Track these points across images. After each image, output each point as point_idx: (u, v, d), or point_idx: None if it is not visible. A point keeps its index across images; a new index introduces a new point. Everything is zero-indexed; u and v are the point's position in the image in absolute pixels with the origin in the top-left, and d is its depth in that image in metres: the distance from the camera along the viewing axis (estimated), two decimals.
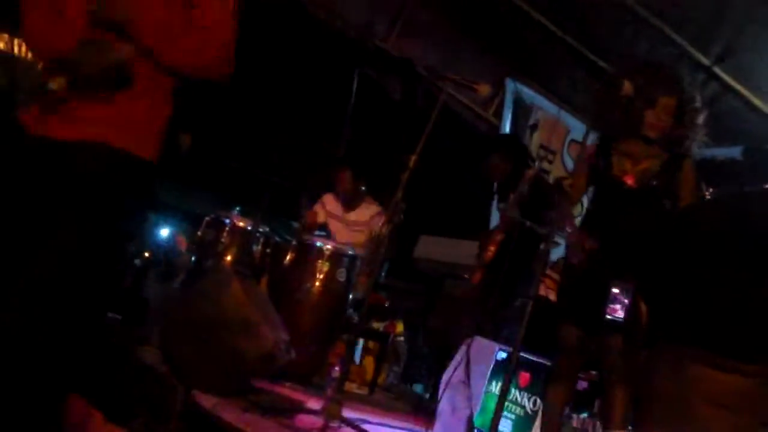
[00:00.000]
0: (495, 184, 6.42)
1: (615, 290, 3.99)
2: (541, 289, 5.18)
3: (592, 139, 4.65)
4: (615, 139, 4.40)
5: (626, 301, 3.96)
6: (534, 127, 8.51)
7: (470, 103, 8.36)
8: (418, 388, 8.10)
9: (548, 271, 6.36)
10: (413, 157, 4.28)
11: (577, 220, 4.76)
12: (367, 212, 6.57)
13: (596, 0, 6.85)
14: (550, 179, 7.93)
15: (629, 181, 4.29)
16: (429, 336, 8.38)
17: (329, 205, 6.76)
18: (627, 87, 4.16)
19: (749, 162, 5.63)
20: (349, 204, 6.64)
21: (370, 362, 6.76)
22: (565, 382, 4.42)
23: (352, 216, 6.60)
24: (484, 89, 4.55)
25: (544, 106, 8.61)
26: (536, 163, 7.72)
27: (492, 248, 5.13)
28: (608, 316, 4.00)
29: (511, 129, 8.38)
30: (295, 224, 7.41)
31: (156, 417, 4.09)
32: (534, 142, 8.40)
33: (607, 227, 4.29)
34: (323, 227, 6.82)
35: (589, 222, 4.52)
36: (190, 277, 5.88)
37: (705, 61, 6.81)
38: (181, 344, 4.37)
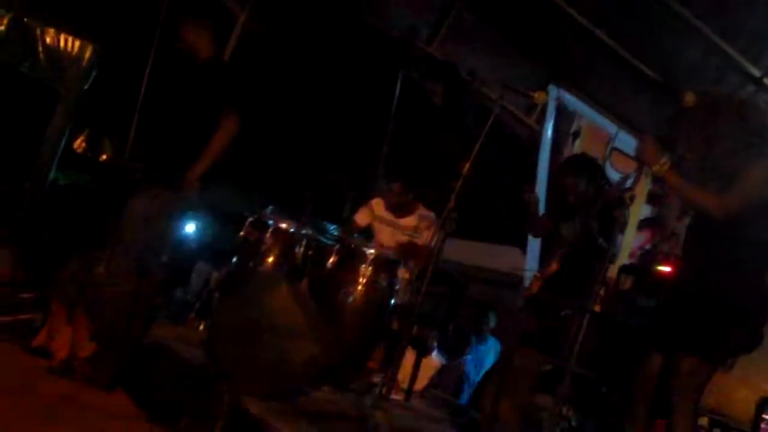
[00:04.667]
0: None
1: None
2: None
3: None
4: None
5: None
6: (576, 135, 8.44)
7: (513, 108, 8.32)
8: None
9: None
10: (466, 165, 4.24)
11: None
12: (418, 219, 6.52)
13: (646, 7, 6.76)
14: None
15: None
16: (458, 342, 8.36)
17: (378, 208, 6.71)
18: (689, 98, 4.06)
19: None
20: (400, 210, 6.59)
21: (406, 368, 6.72)
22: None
23: (403, 222, 6.55)
24: (541, 96, 4.50)
25: (587, 114, 8.53)
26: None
27: (555, 261, 5.09)
28: None
29: (553, 135, 8.31)
30: (335, 227, 7.39)
31: (201, 419, 4.07)
32: (576, 149, 8.33)
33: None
34: (364, 231, 6.78)
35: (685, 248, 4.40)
36: (233, 279, 5.86)
37: (755, 72, 6.73)
38: (229, 347, 4.35)
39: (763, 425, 4.56)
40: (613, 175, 8.26)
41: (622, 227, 4.51)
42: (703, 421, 4.50)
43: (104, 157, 8.22)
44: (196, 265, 7.53)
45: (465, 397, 7.94)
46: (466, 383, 8.24)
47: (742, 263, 3.93)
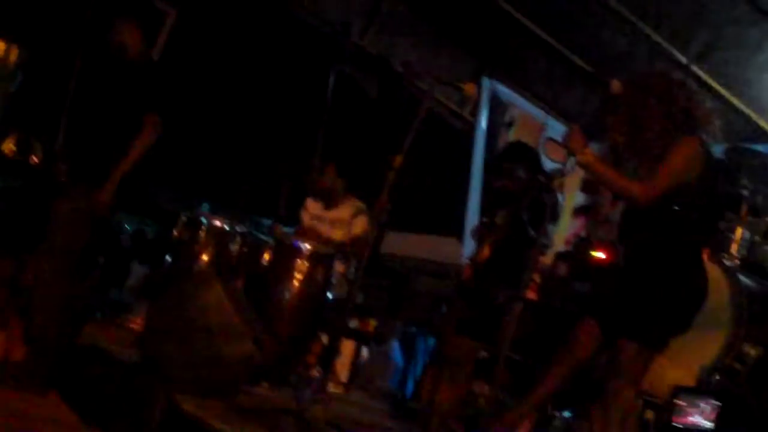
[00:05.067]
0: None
1: None
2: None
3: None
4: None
5: None
6: (510, 125, 8.50)
7: (446, 101, 8.35)
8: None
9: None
10: (399, 158, 4.23)
11: None
12: (349, 209, 6.52)
13: None
14: None
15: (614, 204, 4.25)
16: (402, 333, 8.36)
17: (311, 207, 6.72)
18: (616, 86, 4.08)
19: (732, 161, 5.62)
20: (330, 201, 6.59)
21: (344, 361, 6.72)
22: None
23: (333, 214, 6.55)
24: (471, 88, 4.53)
25: (520, 104, 8.59)
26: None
27: (488, 248, 5.11)
28: None
29: (487, 126, 8.35)
30: (269, 222, 7.36)
31: (136, 419, 4.03)
32: (510, 139, 8.38)
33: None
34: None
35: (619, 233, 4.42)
36: (167, 277, 5.81)
37: (683, 59, 6.82)
38: (163, 346, 4.31)
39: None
40: (548, 164, 8.36)
41: (553, 214, 4.54)
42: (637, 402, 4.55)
43: (34, 159, 8.07)
44: (132, 265, 7.46)
45: (395, 382, 7.93)
46: (395, 370, 8.22)
47: (674, 245, 3.97)
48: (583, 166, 4.02)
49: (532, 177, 5.27)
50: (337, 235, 6.48)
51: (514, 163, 5.40)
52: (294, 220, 6.86)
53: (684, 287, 3.98)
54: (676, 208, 3.92)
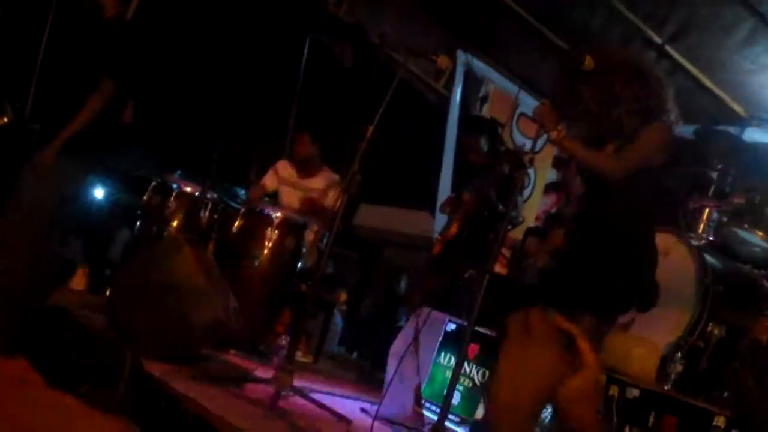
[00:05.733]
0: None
1: None
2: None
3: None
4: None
5: None
6: (484, 99, 8.51)
7: (421, 74, 8.33)
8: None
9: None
10: (370, 129, 4.24)
11: None
12: (324, 181, 6.53)
13: None
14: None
15: None
16: (372, 305, 8.41)
17: (283, 171, 6.69)
18: (588, 61, 4.11)
19: (701, 142, 5.67)
20: (306, 170, 6.58)
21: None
22: None
23: (308, 183, 6.55)
24: (444, 61, 4.54)
25: (495, 79, 8.59)
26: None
27: (456, 224, 5.14)
28: None
29: (461, 101, 8.35)
30: (242, 191, 7.35)
31: (103, 383, 4.03)
32: (484, 114, 8.39)
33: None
34: (270, 195, 6.76)
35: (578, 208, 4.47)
36: (137, 242, 5.80)
37: (657, 39, 6.83)
38: (130, 310, 4.31)
39: None
40: (521, 140, 8.39)
41: (522, 189, 4.57)
42: (601, 378, 4.60)
43: (5, 120, 7.99)
44: (119, 232, 7.45)
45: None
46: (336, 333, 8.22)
47: (632, 222, 4.04)
48: (554, 142, 4.06)
49: (496, 151, 5.30)
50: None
51: (474, 134, 5.42)
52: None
53: (638, 261, 4.07)
54: (639, 187, 3.99)
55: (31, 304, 4.78)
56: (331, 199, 6.29)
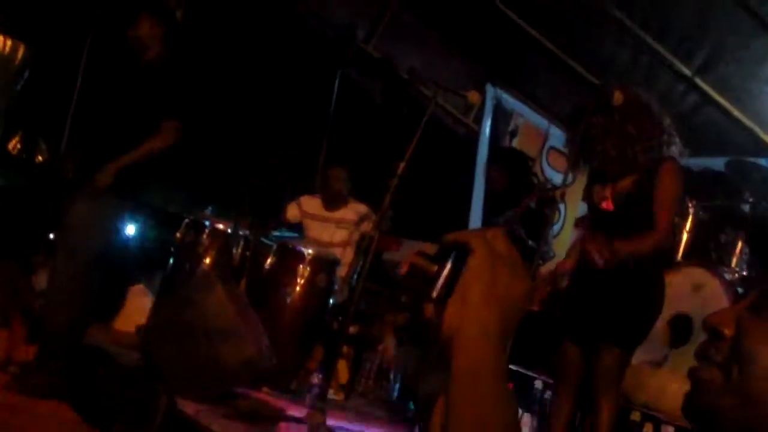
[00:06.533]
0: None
1: None
2: None
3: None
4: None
5: None
6: (514, 133, 8.53)
7: (450, 108, 8.36)
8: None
9: None
10: (402, 164, 4.26)
11: None
12: (353, 212, 6.55)
13: (580, 8, 6.83)
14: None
15: (607, 206, 4.31)
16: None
17: (306, 205, 6.74)
18: (618, 96, 4.14)
19: (733, 174, 5.64)
20: (333, 203, 6.62)
21: (344, 366, 6.72)
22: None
23: (337, 214, 6.58)
24: (474, 96, 4.54)
25: (524, 113, 8.61)
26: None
27: None
28: None
29: (490, 134, 8.37)
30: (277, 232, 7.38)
31: (137, 421, 4.04)
32: (514, 147, 8.40)
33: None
34: (293, 227, 6.80)
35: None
36: (169, 280, 5.82)
37: (686, 71, 6.83)
38: (164, 349, 4.32)
39: None
40: (551, 174, 8.38)
41: (552, 224, 4.58)
42: (635, 415, 4.57)
43: (40, 158, 8.08)
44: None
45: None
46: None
47: (651, 256, 4.12)
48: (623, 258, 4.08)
49: (526, 185, 5.30)
50: (342, 235, 6.50)
51: (500, 167, 5.41)
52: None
53: (654, 293, 4.27)
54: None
55: (73, 345, 4.77)
56: (366, 229, 6.31)
